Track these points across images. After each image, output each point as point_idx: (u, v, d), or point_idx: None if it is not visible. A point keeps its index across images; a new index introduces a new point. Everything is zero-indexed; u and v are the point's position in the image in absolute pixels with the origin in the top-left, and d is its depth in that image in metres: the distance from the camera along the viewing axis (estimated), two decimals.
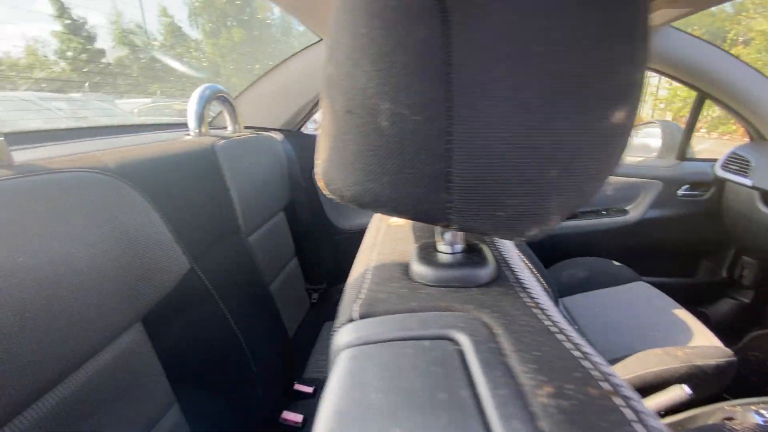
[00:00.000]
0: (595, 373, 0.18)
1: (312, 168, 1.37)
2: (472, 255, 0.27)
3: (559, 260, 1.31)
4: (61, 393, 0.43)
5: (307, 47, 1.25)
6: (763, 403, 0.90)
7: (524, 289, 0.25)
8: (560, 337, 0.20)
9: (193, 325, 0.66)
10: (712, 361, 0.85)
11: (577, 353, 0.19)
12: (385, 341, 0.20)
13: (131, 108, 7.09)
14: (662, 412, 0.79)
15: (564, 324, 0.21)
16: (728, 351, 0.88)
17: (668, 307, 1.05)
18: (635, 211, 1.38)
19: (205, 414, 0.67)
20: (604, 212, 1.40)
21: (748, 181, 1.17)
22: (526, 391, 0.16)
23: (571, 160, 0.18)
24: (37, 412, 0.40)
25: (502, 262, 0.28)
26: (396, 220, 0.37)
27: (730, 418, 0.78)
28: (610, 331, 0.99)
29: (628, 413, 0.15)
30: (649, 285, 1.16)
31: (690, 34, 1.11)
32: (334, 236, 1.41)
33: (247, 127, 1.25)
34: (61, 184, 0.48)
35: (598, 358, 0.19)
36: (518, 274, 0.27)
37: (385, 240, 0.33)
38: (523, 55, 0.16)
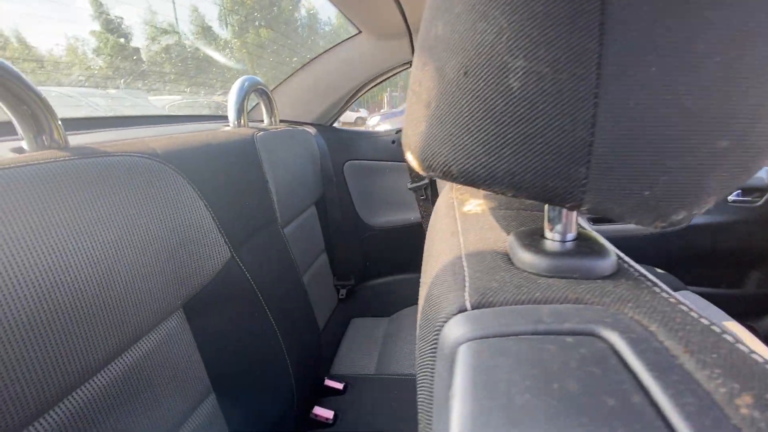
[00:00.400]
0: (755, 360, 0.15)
1: (343, 163, 1.36)
2: (585, 243, 0.24)
3: None
4: (108, 376, 0.43)
5: (340, 42, 1.24)
6: None
7: (655, 283, 0.22)
8: (728, 338, 0.17)
9: (231, 315, 0.65)
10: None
11: (757, 357, 0.16)
12: (516, 335, 0.18)
13: (162, 105, 7.33)
14: None
15: (722, 325, 0.19)
16: None
17: (716, 318, 0.99)
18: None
19: (240, 405, 0.66)
20: None
21: None
22: (718, 399, 0.14)
23: (748, 131, 0.15)
24: (86, 393, 0.40)
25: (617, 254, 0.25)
26: (471, 208, 0.34)
27: None
28: None
29: None
30: (695, 294, 1.09)
31: None
32: (364, 233, 1.39)
33: (282, 121, 1.25)
34: (113, 167, 0.48)
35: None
36: (636, 266, 0.24)
37: (468, 228, 0.30)
38: (688, 10, 0.14)
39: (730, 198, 1.27)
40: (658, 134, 0.15)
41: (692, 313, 0.18)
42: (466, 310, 0.20)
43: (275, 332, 0.74)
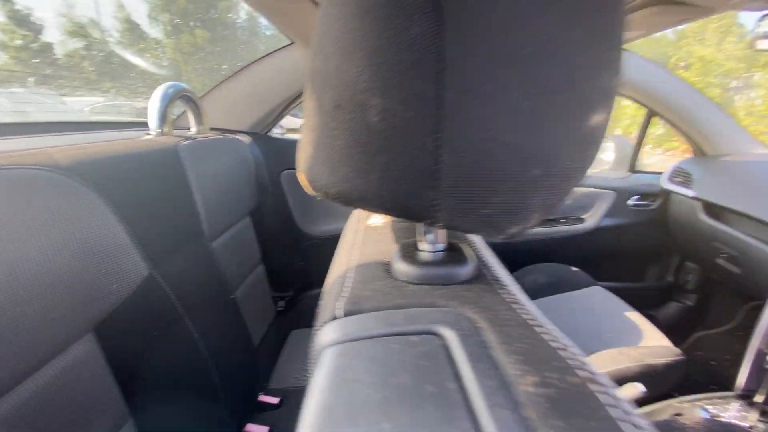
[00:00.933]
0: (573, 362, 0.18)
1: (280, 172, 1.34)
2: (452, 254, 0.27)
3: (521, 266, 1.36)
4: (8, 405, 0.39)
5: (277, 50, 1.23)
6: (707, 399, 0.97)
7: (503, 286, 0.25)
8: (539, 329, 0.20)
9: (151, 336, 0.62)
10: (663, 360, 0.91)
11: (555, 344, 0.19)
12: (371, 338, 0.20)
13: (81, 107, 6.66)
14: None
15: (542, 318, 0.22)
16: (677, 350, 0.95)
17: (621, 309, 1.12)
18: (591, 220, 1.46)
19: (162, 430, 0.62)
20: (563, 220, 1.47)
21: (690, 193, 1.28)
22: (511, 381, 0.16)
23: (553, 160, 0.18)
24: None
25: (480, 261, 0.29)
26: (375, 222, 0.36)
27: (679, 414, 0.83)
28: (569, 334, 1.03)
29: (604, 398, 0.16)
30: (603, 289, 1.23)
31: (637, 54, 1.21)
32: (302, 242, 1.38)
33: (212, 129, 1.21)
34: (6, 182, 0.44)
35: (575, 349, 0.20)
36: (495, 272, 0.27)
37: (366, 241, 0.33)
38: (513, 58, 0.17)
39: (630, 202, 1.45)
40: (488, 164, 0.18)
41: (519, 311, 0.22)
42: (337, 317, 0.22)
43: (201, 351, 0.71)
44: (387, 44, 0.17)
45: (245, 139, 1.22)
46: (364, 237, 0.34)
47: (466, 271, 0.26)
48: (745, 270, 1.11)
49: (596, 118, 0.18)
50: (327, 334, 0.21)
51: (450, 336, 0.19)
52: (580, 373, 0.17)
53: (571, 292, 1.22)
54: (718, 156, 1.32)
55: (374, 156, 0.19)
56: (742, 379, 0.94)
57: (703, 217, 1.23)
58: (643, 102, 1.30)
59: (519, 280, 1.21)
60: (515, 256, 1.41)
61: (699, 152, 1.36)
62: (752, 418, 0.90)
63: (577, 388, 0.16)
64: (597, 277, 1.29)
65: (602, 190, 1.45)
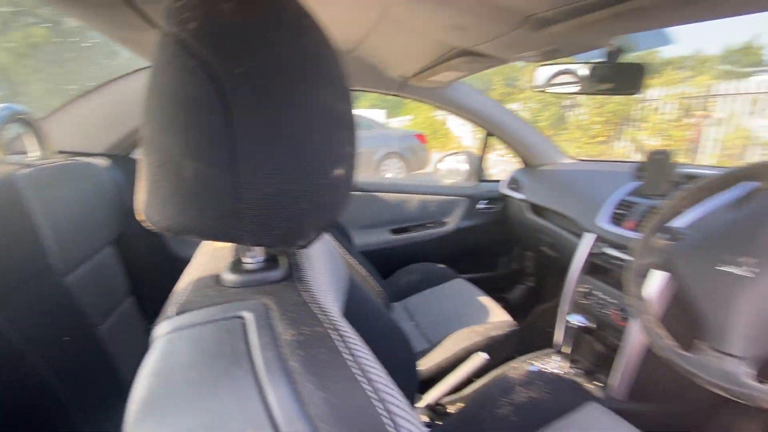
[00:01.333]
0: (323, 318, 0.28)
1: None
2: (269, 263, 0.36)
3: (399, 268, 1.53)
4: None
5: (139, 69, 1.18)
6: (535, 357, 1.23)
7: (302, 281, 0.35)
8: (312, 304, 0.30)
9: None
10: (502, 332, 1.14)
11: (316, 309, 0.29)
12: (193, 326, 0.27)
13: None
14: (471, 378, 1.01)
15: (320, 297, 0.32)
16: (513, 322, 1.19)
17: (476, 295, 1.35)
18: (451, 223, 1.71)
19: None
20: (429, 225, 1.70)
21: (520, 196, 1.60)
22: (279, 335, 0.25)
23: (315, 198, 0.28)
24: None
25: (294, 268, 0.38)
26: (220, 244, 0.43)
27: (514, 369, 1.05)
28: (437, 321, 1.21)
29: (335, 336, 0.26)
30: (464, 280, 1.46)
31: (471, 87, 1.49)
32: (178, 267, 1.32)
33: (61, 152, 1.10)
34: None
35: (331, 312, 0.30)
36: (303, 273, 0.37)
37: (209, 260, 0.39)
38: (279, 136, 0.26)
39: (479, 206, 1.75)
40: (272, 202, 0.27)
41: (304, 294, 0.32)
42: (169, 317, 0.29)
43: (54, 395, 0.67)
44: (193, 125, 0.25)
45: (103, 162, 1.14)
46: (209, 257, 0.40)
47: (276, 274, 0.35)
48: (560, 253, 1.44)
49: (339, 172, 0.29)
50: (159, 329, 0.28)
51: (248, 317, 0.28)
52: (326, 325, 0.27)
53: (438, 286, 1.42)
54: (537, 166, 1.69)
55: (192, 200, 0.26)
56: (558, 337, 1.22)
57: (530, 215, 1.56)
58: (481, 125, 1.59)
59: (396, 281, 1.37)
60: (392, 261, 1.57)
61: (525, 163, 1.72)
62: (565, 366, 1.19)
63: (321, 336, 0.26)
64: (460, 270, 1.52)
65: (458, 197, 1.72)
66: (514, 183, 1.68)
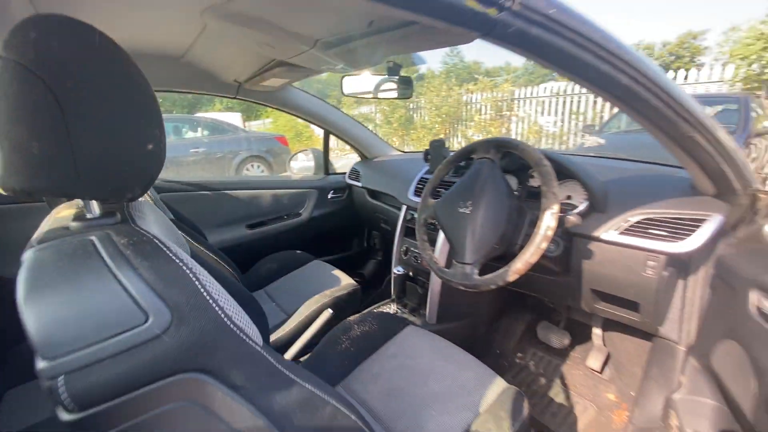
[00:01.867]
0: (151, 237, 0.43)
1: None
2: (107, 215, 0.47)
3: (260, 258, 1.64)
4: None
5: None
6: (376, 306, 1.50)
7: (136, 224, 0.48)
8: (146, 234, 0.45)
9: None
10: (346, 291, 1.38)
11: (141, 230, 0.44)
12: (53, 244, 0.39)
13: None
14: (321, 333, 1.21)
15: (153, 232, 0.46)
16: (355, 283, 1.44)
17: (330, 271, 1.56)
18: (305, 213, 1.91)
19: None
20: (285, 216, 1.86)
21: (360, 184, 1.89)
22: (119, 243, 0.40)
23: (134, 164, 0.43)
24: None
25: (129, 217, 0.50)
26: (61, 213, 0.52)
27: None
28: (294, 298, 1.38)
29: (165, 248, 0.42)
30: (321, 262, 1.65)
31: (302, 90, 1.69)
32: (2, 291, 1.18)
33: None
34: None
35: (160, 236, 0.45)
36: (137, 222, 0.50)
37: (53, 221, 0.49)
38: (102, 124, 0.40)
39: (329, 196, 1.98)
40: (100, 165, 0.40)
41: (142, 232, 0.46)
42: (32, 245, 0.40)
43: None
44: (36, 119, 0.37)
45: None
46: (53, 220, 0.49)
47: (112, 220, 0.46)
48: (391, 227, 1.76)
49: (151, 145, 0.44)
50: (25, 255, 0.38)
51: (94, 238, 0.40)
52: (155, 240, 0.43)
53: (298, 269, 1.59)
54: (372, 158, 2.00)
55: (41, 170, 0.38)
56: (391, 289, 1.53)
57: (369, 199, 1.86)
58: (319, 125, 1.82)
59: (257, 271, 1.49)
60: (253, 254, 1.68)
61: (362, 157, 2.02)
62: (396, 309, 1.51)
63: (149, 241, 0.41)
64: (319, 254, 1.71)
65: (309, 190, 1.92)
66: (354, 174, 1.97)
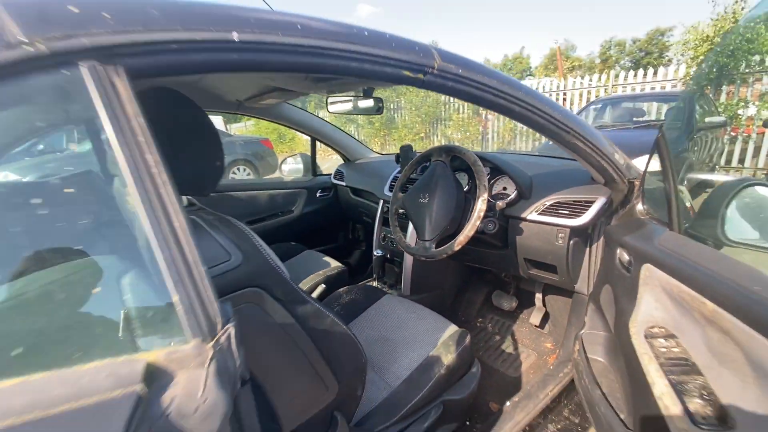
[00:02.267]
0: (222, 217, 0.72)
1: None
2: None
3: None
4: None
5: None
6: (361, 283, 1.79)
7: (204, 207, 0.76)
8: (213, 212, 0.73)
9: None
10: (335, 271, 1.67)
11: (212, 211, 0.73)
12: None
13: None
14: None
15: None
16: (342, 266, 1.73)
17: (319, 258, 1.85)
18: (297, 210, 2.18)
19: None
20: (279, 213, 2.13)
21: (344, 183, 2.18)
22: (212, 221, 0.68)
23: (209, 172, 0.71)
24: None
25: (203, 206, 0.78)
26: None
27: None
28: (295, 279, 1.64)
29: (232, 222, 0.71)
30: (313, 251, 1.94)
31: (294, 105, 1.97)
32: None
33: None
34: None
35: (226, 215, 0.73)
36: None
37: None
38: (184, 149, 0.68)
39: (318, 194, 2.27)
40: (187, 171, 0.69)
41: (214, 213, 0.74)
42: None
43: None
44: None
45: None
46: None
47: (196, 207, 0.75)
48: (372, 220, 2.05)
49: (219, 160, 0.72)
50: None
51: (195, 218, 0.69)
52: (219, 216, 0.71)
53: (292, 258, 1.87)
54: (354, 160, 2.30)
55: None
56: (376, 269, 1.83)
57: (352, 196, 2.16)
58: (306, 132, 2.10)
59: None
60: None
61: (345, 159, 2.31)
62: (377, 285, 1.81)
63: (219, 217, 0.70)
64: (309, 246, 2.00)
65: (299, 189, 2.20)
66: (338, 174, 2.26)
